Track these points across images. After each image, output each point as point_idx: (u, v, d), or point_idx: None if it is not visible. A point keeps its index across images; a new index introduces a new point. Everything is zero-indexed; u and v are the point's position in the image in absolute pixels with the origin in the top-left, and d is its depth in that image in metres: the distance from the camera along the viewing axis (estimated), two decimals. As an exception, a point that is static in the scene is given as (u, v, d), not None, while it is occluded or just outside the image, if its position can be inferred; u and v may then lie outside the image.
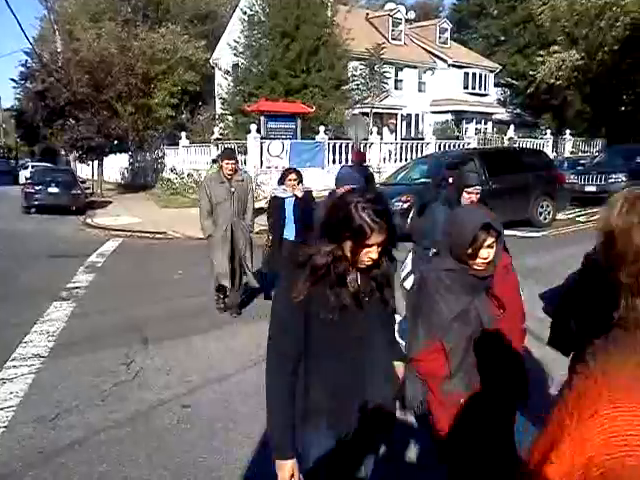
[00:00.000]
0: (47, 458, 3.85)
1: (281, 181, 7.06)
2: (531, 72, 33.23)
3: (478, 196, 4.64)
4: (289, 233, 6.90)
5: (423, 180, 13.30)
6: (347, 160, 22.47)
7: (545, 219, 13.92)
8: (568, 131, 31.64)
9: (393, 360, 2.39)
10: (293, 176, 6.90)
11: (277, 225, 6.98)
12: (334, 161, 22.53)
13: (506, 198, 13.08)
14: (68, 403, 4.68)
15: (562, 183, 14.83)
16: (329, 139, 22.68)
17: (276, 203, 7.00)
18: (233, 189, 6.82)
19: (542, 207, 13.91)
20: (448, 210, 4.29)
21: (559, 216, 14.90)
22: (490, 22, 46.19)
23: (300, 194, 6.86)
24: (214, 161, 15.54)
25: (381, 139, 25.25)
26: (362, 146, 22.47)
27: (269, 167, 21.08)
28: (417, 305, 2.69)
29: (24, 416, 4.44)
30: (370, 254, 2.05)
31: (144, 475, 3.65)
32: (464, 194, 4.62)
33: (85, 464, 3.78)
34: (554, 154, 28.53)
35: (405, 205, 12.32)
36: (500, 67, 39.31)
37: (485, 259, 2.53)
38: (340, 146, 22.57)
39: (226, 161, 6.82)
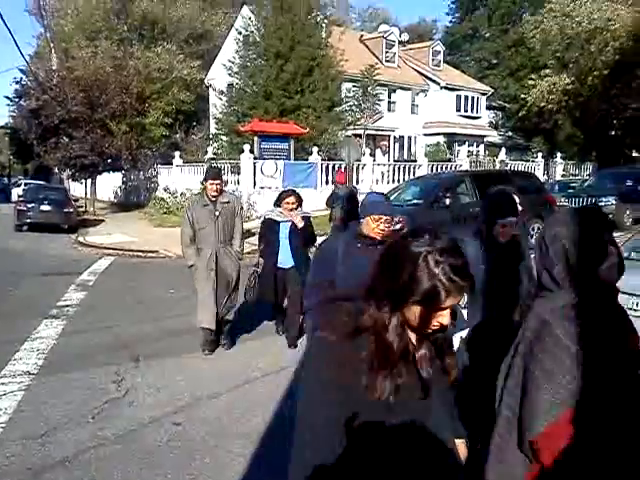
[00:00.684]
0: (36, 475, 3.83)
1: (277, 203, 6.52)
2: (522, 95, 33.60)
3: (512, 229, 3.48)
4: (283, 260, 6.41)
5: (415, 202, 13.38)
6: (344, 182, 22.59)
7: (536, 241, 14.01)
8: (559, 154, 31.98)
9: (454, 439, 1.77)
10: (292, 199, 6.37)
11: (270, 251, 6.44)
12: (327, 182, 22.64)
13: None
14: (58, 420, 4.66)
15: (553, 206, 14.95)
16: (322, 160, 22.83)
17: (270, 226, 6.47)
18: (217, 212, 6.07)
19: (533, 230, 14.01)
20: (479, 245, 3.45)
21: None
22: (482, 45, 46.90)
23: (300, 223, 6.37)
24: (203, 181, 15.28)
25: (374, 161, 25.42)
26: (355, 167, 22.62)
27: (262, 187, 21.18)
28: (533, 361, 1.76)
29: (13, 433, 4.42)
30: (441, 318, 1.55)
31: (134, 493, 3.64)
32: (498, 228, 3.45)
33: (74, 482, 3.76)
34: (545, 177, 28.79)
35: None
36: (492, 90, 39.78)
37: None
38: (333, 167, 22.69)
39: (210, 181, 6.12)
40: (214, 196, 6.12)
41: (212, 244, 6.06)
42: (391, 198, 14.52)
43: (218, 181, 6.18)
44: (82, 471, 3.89)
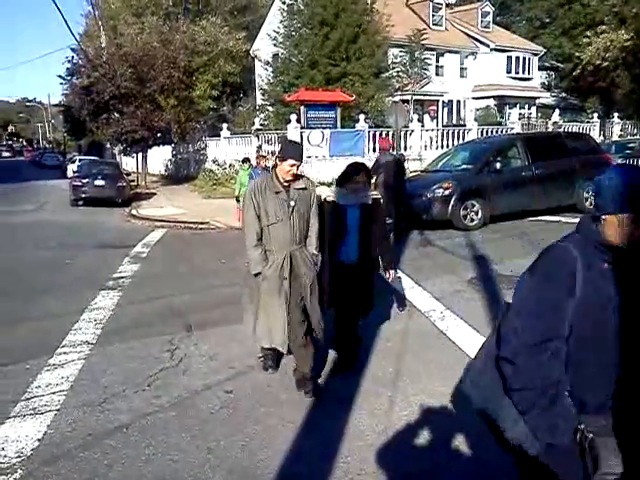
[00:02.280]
0: (96, 440, 3.98)
1: (343, 180, 5.05)
2: (577, 54, 32.32)
3: None
4: (347, 254, 5.05)
5: (465, 167, 13.14)
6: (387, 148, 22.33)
7: (591, 204, 13.54)
8: (616, 114, 30.73)
9: None
10: (362, 176, 4.97)
11: (330, 242, 4.98)
12: (374, 149, 22.39)
13: (551, 184, 12.85)
14: (115, 388, 4.82)
15: (609, 166, 14.43)
16: (369, 127, 22.57)
17: (333, 211, 5.00)
18: (293, 202, 4.47)
19: (588, 192, 13.55)
20: None
21: (606, 201, 14.47)
22: (534, 4, 44.96)
23: (369, 200, 5.02)
24: (244, 161, 14.52)
25: (422, 126, 24.98)
26: (403, 133, 22.31)
27: (309, 157, 21.12)
28: None
29: (74, 400, 4.60)
30: None
31: (188, 458, 3.74)
32: None
33: (132, 447, 3.89)
34: (601, 138, 27.77)
35: (446, 192, 12.22)
36: (544, 50, 38.35)
37: None
38: (380, 134, 22.42)
39: (291, 161, 4.38)
40: (288, 181, 4.47)
41: (286, 245, 4.50)
42: (440, 164, 14.36)
43: (299, 162, 4.46)
44: (139, 437, 4.02)
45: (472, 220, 12.28)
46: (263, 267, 4.50)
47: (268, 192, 4.43)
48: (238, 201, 13.23)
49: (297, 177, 4.49)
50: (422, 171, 15.61)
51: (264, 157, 13.83)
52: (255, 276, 4.56)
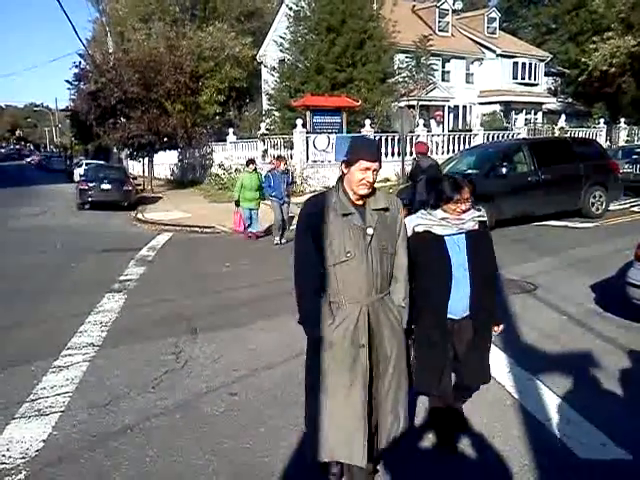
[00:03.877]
0: (101, 442, 3.98)
1: (437, 200, 3.59)
2: (583, 60, 32.29)
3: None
4: (457, 306, 3.53)
5: (470, 172, 13.11)
6: (393, 154, 22.38)
7: (597, 210, 13.52)
8: (623, 119, 30.67)
9: None
10: (465, 193, 3.51)
11: (431, 291, 3.50)
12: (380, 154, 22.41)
13: (557, 189, 12.82)
14: (120, 390, 4.82)
15: (615, 172, 14.37)
16: (375, 132, 22.59)
17: (427, 246, 3.52)
18: (371, 230, 3.02)
19: (594, 197, 13.52)
20: None
21: (612, 206, 14.48)
22: (540, 10, 45.13)
23: (476, 224, 3.61)
24: (249, 162, 13.38)
25: (428, 131, 24.99)
26: (409, 139, 22.30)
27: (315, 161, 21.16)
28: None
29: (79, 402, 4.61)
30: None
31: (192, 459, 3.74)
32: None
33: (136, 448, 3.89)
34: (608, 143, 27.73)
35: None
36: (551, 56, 38.33)
37: None
38: (386, 139, 22.44)
39: (364, 163, 2.98)
40: (362, 197, 3.03)
41: (361, 294, 3.00)
42: (446, 169, 14.33)
43: (378, 165, 3.01)
44: (143, 439, 4.02)
45: None
46: (327, 329, 3.02)
47: (333, 214, 2.97)
48: (238, 205, 13.11)
49: (374, 191, 3.07)
50: None
51: (283, 158, 13.33)
52: (313, 342, 3.15)
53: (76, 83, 29.99)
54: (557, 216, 13.01)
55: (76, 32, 25.13)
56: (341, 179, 3.10)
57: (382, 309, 3.08)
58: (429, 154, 12.74)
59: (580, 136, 26.03)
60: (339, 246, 2.96)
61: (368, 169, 2.94)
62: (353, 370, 3.02)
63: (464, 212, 3.55)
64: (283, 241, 12.23)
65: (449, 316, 3.54)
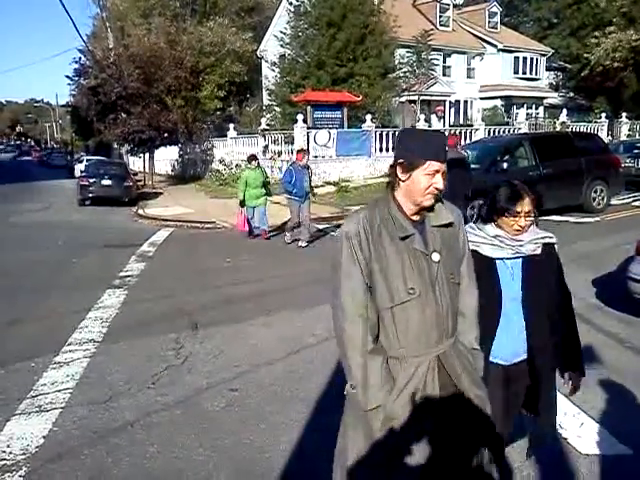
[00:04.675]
0: (101, 438, 3.98)
1: (490, 213, 2.89)
2: (585, 54, 32.19)
3: None
4: (507, 351, 2.83)
5: (472, 166, 13.07)
6: (394, 149, 22.30)
7: (599, 205, 13.51)
8: (624, 114, 30.59)
9: None
10: (526, 205, 2.78)
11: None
12: (381, 149, 22.42)
13: (558, 183, 12.79)
14: (121, 386, 4.82)
15: (617, 167, 14.34)
16: (376, 127, 22.55)
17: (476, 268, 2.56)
18: (437, 256, 2.26)
19: (596, 192, 13.50)
20: None
21: (613, 201, 14.46)
22: (542, 4, 44.87)
23: (538, 248, 2.83)
24: (251, 159, 12.64)
25: (429, 126, 24.95)
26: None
27: (316, 156, 21.13)
28: None
29: (80, 398, 4.60)
30: None
31: (193, 455, 3.74)
32: None
33: (137, 445, 3.89)
34: (609, 138, 27.67)
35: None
36: (552, 50, 38.20)
37: None
38: (387, 134, 22.41)
39: (434, 164, 2.21)
40: (420, 211, 2.30)
41: (430, 343, 2.25)
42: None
43: (443, 165, 2.25)
44: (144, 435, 4.01)
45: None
46: (384, 397, 2.21)
47: (387, 237, 2.23)
48: (243, 205, 12.24)
49: (438, 201, 2.31)
50: None
51: (304, 151, 12.21)
52: (370, 411, 2.24)
53: (76, 79, 29.86)
54: (558, 211, 12.99)
55: (76, 28, 25.27)
56: (391, 188, 2.31)
57: (458, 360, 2.28)
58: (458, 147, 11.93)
59: (582, 131, 25.97)
60: (398, 281, 2.19)
61: (437, 172, 2.21)
62: (423, 450, 2.20)
63: (523, 230, 2.77)
64: (288, 239, 11.70)
65: (494, 361, 2.79)
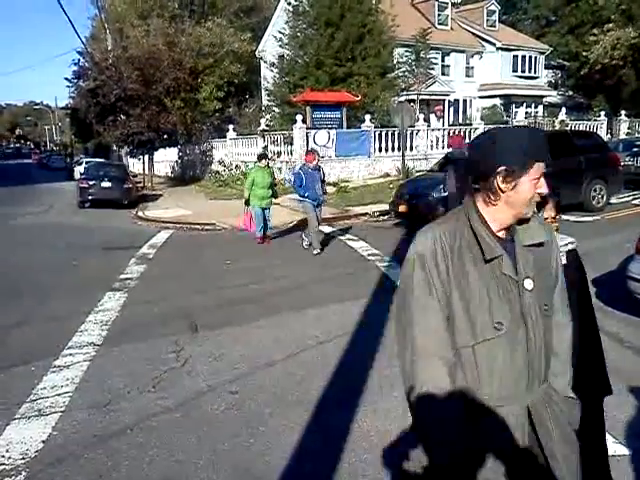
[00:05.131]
0: (101, 441, 3.98)
1: None
2: (584, 52, 32.19)
3: None
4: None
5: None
6: (394, 149, 22.33)
7: (598, 203, 13.50)
8: (623, 112, 30.58)
9: None
10: (550, 210, 2.90)
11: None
12: (380, 149, 22.41)
13: (557, 182, 12.71)
14: (121, 389, 4.81)
15: (616, 166, 14.32)
16: (375, 127, 22.54)
17: None
18: (530, 283, 1.83)
19: (595, 191, 13.48)
20: None
21: (613, 200, 14.44)
22: (540, 2, 44.91)
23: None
24: (261, 157, 12.21)
25: (428, 126, 24.94)
26: (409, 133, 22.28)
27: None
28: None
29: (79, 401, 4.60)
30: None
31: (193, 458, 3.73)
32: None
33: (137, 448, 3.89)
34: (609, 136, 27.66)
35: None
36: (551, 48, 38.19)
37: None
38: (386, 134, 22.40)
39: (541, 166, 1.89)
40: (507, 227, 1.88)
41: (519, 390, 1.86)
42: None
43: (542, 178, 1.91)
44: (144, 438, 4.01)
45: None
46: (463, 456, 1.79)
47: (469, 260, 1.84)
48: (248, 204, 11.71)
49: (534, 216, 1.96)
50: (428, 171, 15.56)
51: (315, 152, 11.35)
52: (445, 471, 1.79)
53: (75, 81, 29.85)
54: (565, 209, 12.98)
55: (75, 29, 25.36)
56: (472, 198, 1.89)
57: (549, 409, 1.90)
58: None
59: (581, 129, 25.96)
60: (483, 313, 1.80)
61: (539, 178, 1.87)
62: None
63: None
64: (306, 244, 11.04)
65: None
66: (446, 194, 12.01)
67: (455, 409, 1.80)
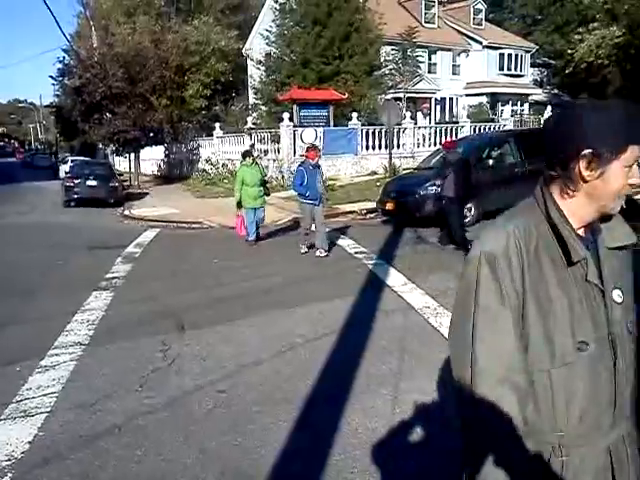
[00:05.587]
0: (88, 442, 3.95)
1: None
2: (569, 51, 32.35)
3: None
4: None
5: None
6: (380, 147, 22.37)
7: None
8: (608, 110, 30.79)
9: None
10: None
11: None
12: (367, 147, 22.44)
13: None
14: (108, 389, 4.78)
15: None
16: (362, 125, 22.57)
17: None
18: (619, 293, 1.52)
19: None
20: None
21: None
22: (526, 1, 45.14)
23: None
24: (246, 155, 11.70)
25: (415, 124, 25.02)
26: (396, 131, 22.32)
27: (302, 155, 21.10)
28: None
29: (66, 402, 4.56)
30: None
31: (181, 458, 3.72)
32: None
33: (124, 448, 3.86)
34: (594, 134, 27.82)
35: (438, 189, 12.16)
36: (537, 47, 38.44)
37: None
38: (374, 132, 22.44)
39: (637, 148, 1.44)
40: (589, 224, 1.55)
41: (603, 427, 1.50)
42: (432, 161, 14.29)
43: None
44: (131, 438, 3.99)
45: (464, 217, 12.23)
46: None
47: (547, 262, 1.49)
48: (240, 207, 11.30)
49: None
50: (415, 169, 15.60)
51: (316, 148, 10.62)
52: None
53: (60, 79, 29.76)
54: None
55: (60, 27, 25.25)
56: (546, 189, 1.58)
57: (632, 452, 1.58)
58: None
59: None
60: (563, 329, 1.47)
61: (636, 161, 1.48)
62: None
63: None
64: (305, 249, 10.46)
65: None
66: (433, 191, 12.06)
67: (524, 449, 1.45)
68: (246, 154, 11.72)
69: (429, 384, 4.64)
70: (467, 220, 12.19)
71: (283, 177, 20.31)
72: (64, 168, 30.42)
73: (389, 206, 12.79)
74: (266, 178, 11.98)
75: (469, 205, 12.24)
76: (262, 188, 11.34)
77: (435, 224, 12.04)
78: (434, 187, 12.19)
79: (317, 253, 10.05)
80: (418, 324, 6.17)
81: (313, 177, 9.99)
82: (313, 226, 10.41)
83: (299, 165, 10.50)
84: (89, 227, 15.44)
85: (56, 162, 44.74)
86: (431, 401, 4.37)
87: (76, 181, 20.42)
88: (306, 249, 10.39)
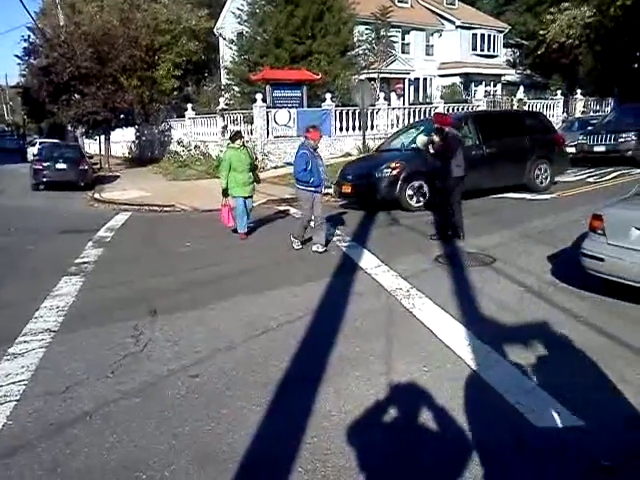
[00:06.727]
0: (59, 430, 3.90)
1: None
2: (541, 31, 32.52)
3: None
4: None
5: (414, 146, 12.74)
6: (354, 128, 22.30)
7: (542, 183, 13.51)
8: (579, 91, 31.09)
9: None
10: None
11: None
12: (341, 129, 22.36)
13: (501, 163, 12.78)
14: (78, 376, 4.72)
15: (561, 145, 14.46)
16: (336, 106, 22.46)
17: None
18: None
19: (540, 170, 13.57)
20: None
21: (570, 178, 14.69)
22: (498, -20, 45.18)
23: None
24: (235, 137, 10.44)
25: (388, 104, 24.96)
26: (369, 112, 22.25)
27: (277, 137, 20.95)
28: None
29: (35, 389, 4.49)
30: None
31: (153, 444, 3.69)
32: None
33: (96, 435, 3.82)
34: (564, 115, 28.10)
35: (394, 172, 12.11)
36: (509, 27, 38.57)
37: None
38: (347, 113, 22.34)
39: None
40: None
41: None
42: (392, 143, 14.15)
43: None
44: (103, 425, 3.94)
45: (419, 201, 12.23)
46: None
47: None
48: (226, 195, 10.31)
49: None
50: (376, 150, 15.52)
51: (317, 129, 9.35)
52: None
53: (26, 58, 28.92)
54: (515, 188, 13.16)
55: (23, 4, 24.28)
56: None
57: None
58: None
59: (538, 107, 26.36)
60: None
61: None
62: None
63: None
64: (297, 246, 9.25)
65: None
66: (389, 174, 12.00)
67: None
68: (236, 136, 10.48)
69: (402, 365, 4.67)
70: (420, 204, 12.17)
71: (257, 159, 20.16)
72: (32, 151, 29.85)
73: (345, 189, 12.77)
74: (257, 162, 11.16)
75: (424, 189, 12.13)
76: (251, 174, 10.37)
77: (393, 207, 12.04)
78: (389, 170, 12.15)
79: (314, 248, 8.93)
80: (391, 306, 6.20)
81: (316, 161, 8.88)
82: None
83: (300, 147, 9.08)
84: (59, 211, 15.18)
85: (24, 145, 43.80)
86: (405, 381, 4.40)
87: (45, 164, 20.05)
88: (300, 245, 9.23)
